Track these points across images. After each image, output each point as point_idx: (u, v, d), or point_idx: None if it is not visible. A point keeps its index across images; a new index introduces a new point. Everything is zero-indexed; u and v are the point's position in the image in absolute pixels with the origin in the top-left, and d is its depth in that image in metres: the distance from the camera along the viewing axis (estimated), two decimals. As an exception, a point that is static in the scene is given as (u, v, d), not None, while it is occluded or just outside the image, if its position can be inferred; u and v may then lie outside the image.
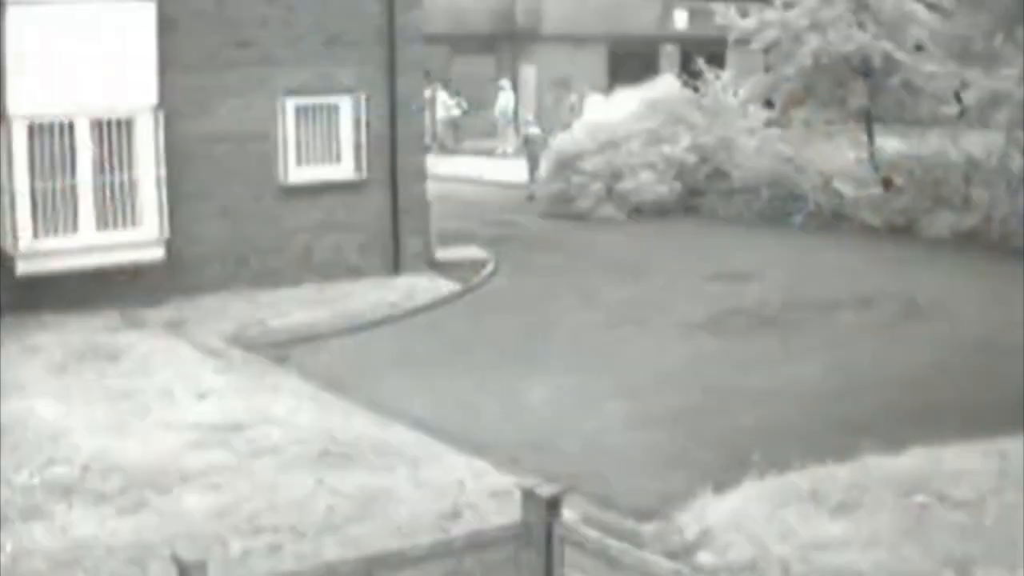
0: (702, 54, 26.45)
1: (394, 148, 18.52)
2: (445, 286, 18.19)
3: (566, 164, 24.90)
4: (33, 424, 11.33)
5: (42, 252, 15.61)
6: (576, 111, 31.17)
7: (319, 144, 18.06)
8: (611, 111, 26.37)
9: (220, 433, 11.26)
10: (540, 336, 15.71)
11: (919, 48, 23.32)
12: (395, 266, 18.64)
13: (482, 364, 14.53)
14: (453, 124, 35.62)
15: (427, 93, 33.84)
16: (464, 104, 35.93)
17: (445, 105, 35.26)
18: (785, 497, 9.60)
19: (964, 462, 10.09)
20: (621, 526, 9.45)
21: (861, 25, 23.11)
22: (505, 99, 35.09)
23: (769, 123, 25.46)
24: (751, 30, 23.82)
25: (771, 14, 23.80)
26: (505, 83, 35.66)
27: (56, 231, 15.76)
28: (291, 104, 17.70)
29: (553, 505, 6.92)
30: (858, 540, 8.81)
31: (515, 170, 29.31)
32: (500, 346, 15.32)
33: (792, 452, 10.66)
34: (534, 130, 28.10)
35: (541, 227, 23.50)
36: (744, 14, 24.46)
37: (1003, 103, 18.77)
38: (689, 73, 26.64)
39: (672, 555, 8.65)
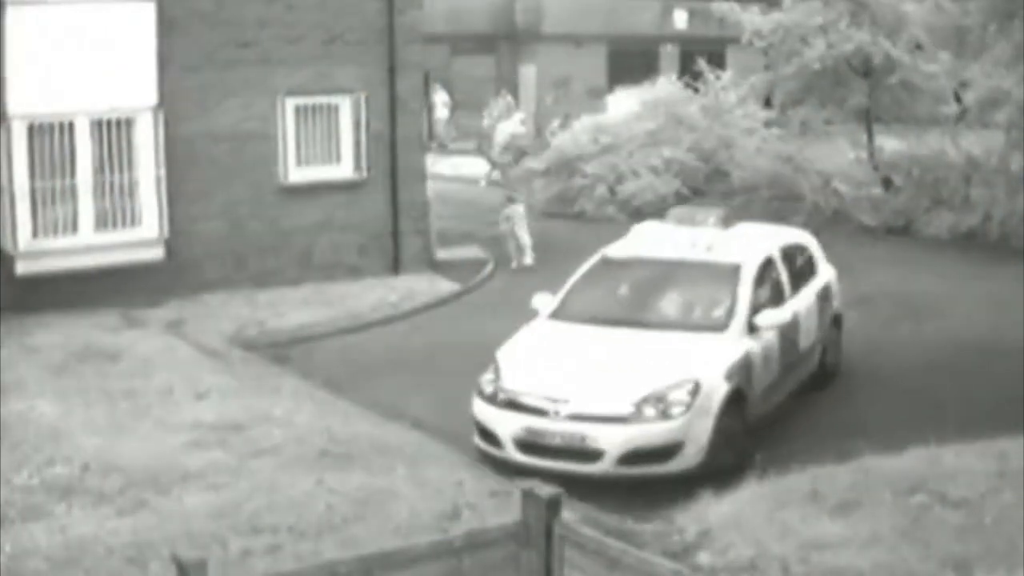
0: (702, 54, 26.48)
1: (394, 148, 18.53)
2: (445, 286, 18.20)
3: (567, 165, 24.98)
4: (33, 424, 11.33)
5: (42, 252, 15.62)
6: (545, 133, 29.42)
7: (319, 144, 18.07)
8: (633, 103, 26.19)
9: (219, 433, 11.26)
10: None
11: (918, 47, 23.37)
12: (395, 266, 18.64)
13: (481, 364, 14.50)
14: (518, 152, 26.34)
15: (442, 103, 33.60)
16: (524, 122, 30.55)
17: (511, 123, 32.25)
18: (785, 497, 9.61)
19: (963, 462, 10.10)
20: (621, 526, 9.46)
21: (859, 25, 23.15)
22: (503, 129, 32.82)
23: (769, 123, 25.51)
24: (764, 31, 23.81)
25: (779, 15, 23.85)
26: (510, 101, 34.79)
27: (56, 231, 15.77)
28: (291, 104, 17.71)
29: (553, 505, 6.92)
30: (857, 540, 8.81)
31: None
32: (499, 346, 15.28)
33: (791, 452, 10.68)
34: (516, 207, 20.83)
35: (541, 227, 23.46)
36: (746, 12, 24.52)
37: (1003, 103, 18.79)
38: (689, 73, 26.66)
39: (672, 555, 8.66)
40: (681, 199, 24.33)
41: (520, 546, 6.90)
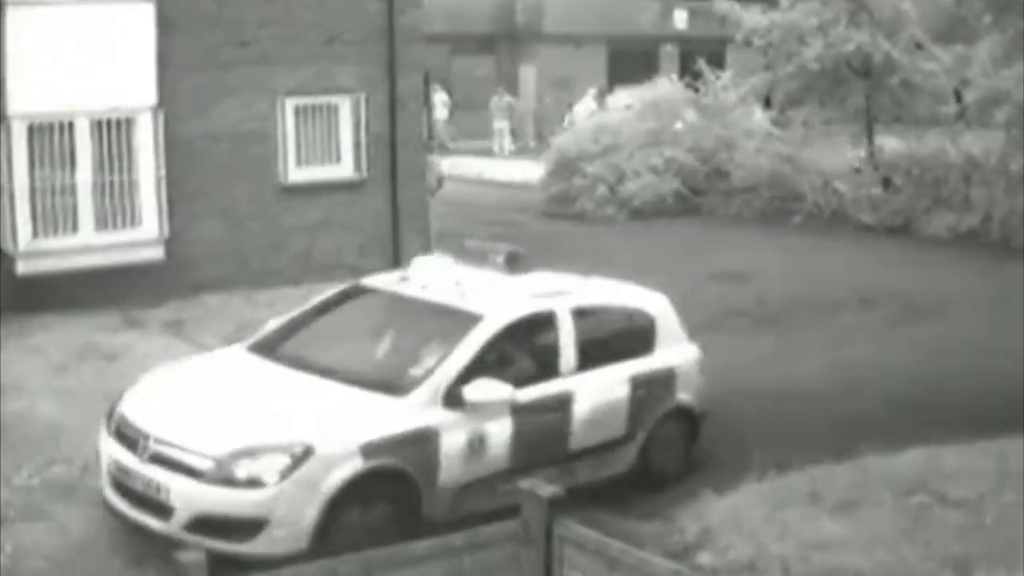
0: (702, 54, 26.49)
1: (394, 148, 18.51)
2: (445, 286, 18.15)
3: (568, 165, 25.01)
4: (33, 424, 11.33)
5: (42, 252, 15.60)
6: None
7: (319, 144, 18.04)
8: (605, 115, 26.25)
9: (220, 433, 11.24)
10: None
11: (918, 47, 23.39)
12: (395, 266, 18.59)
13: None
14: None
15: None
16: None
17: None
18: (785, 497, 9.61)
19: (963, 462, 10.10)
20: (621, 526, 9.46)
21: (858, 25, 23.16)
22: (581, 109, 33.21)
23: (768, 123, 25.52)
24: (760, 29, 23.82)
25: (777, 15, 23.86)
26: (510, 101, 34.64)
27: (56, 231, 15.75)
28: (291, 104, 17.69)
29: (553, 505, 6.92)
30: (858, 540, 8.81)
31: (514, 169, 29.40)
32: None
33: (791, 452, 10.68)
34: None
35: (541, 227, 23.50)
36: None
37: (1003, 103, 18.80)
38: (689, 73, 26.68)
39: (672, 555, 8.67)
40: (681, 199, 24.40)
41: (520, 546, 6.90)
